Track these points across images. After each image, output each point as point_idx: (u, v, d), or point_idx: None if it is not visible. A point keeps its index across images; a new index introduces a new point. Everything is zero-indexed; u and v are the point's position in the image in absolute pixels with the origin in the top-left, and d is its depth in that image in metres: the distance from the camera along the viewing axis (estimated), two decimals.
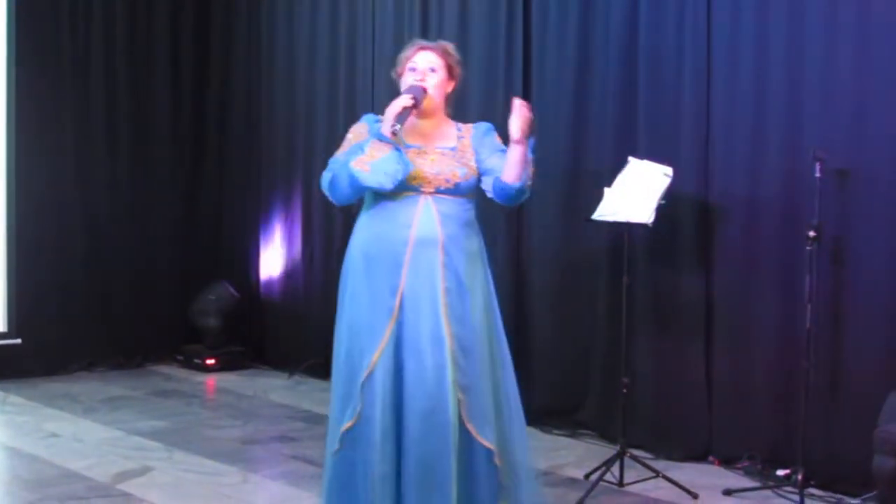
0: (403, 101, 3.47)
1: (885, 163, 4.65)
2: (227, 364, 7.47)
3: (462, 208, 3.56)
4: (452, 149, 3.59)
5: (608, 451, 5.12)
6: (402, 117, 3.44)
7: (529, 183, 3.58)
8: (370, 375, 3.42)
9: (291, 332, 7.36)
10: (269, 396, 6.72)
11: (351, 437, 3.46)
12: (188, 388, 6.96)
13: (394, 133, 3.42)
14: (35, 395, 6.54)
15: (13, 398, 6.47)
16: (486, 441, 3.46)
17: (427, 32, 6.28)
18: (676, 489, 4.72)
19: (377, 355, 3.42)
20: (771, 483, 4.81)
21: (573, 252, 5.80)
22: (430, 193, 3.50)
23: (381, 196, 3.51)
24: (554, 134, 5.89)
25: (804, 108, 4.91)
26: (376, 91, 6.62)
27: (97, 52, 7.41)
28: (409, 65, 3.61)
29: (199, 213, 7.97)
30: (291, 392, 6.79)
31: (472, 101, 6.11)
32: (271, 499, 4.69)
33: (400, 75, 3.64)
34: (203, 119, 8.00)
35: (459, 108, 5.98)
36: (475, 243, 3.60)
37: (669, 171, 4.86)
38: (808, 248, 4.61)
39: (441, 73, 3.60)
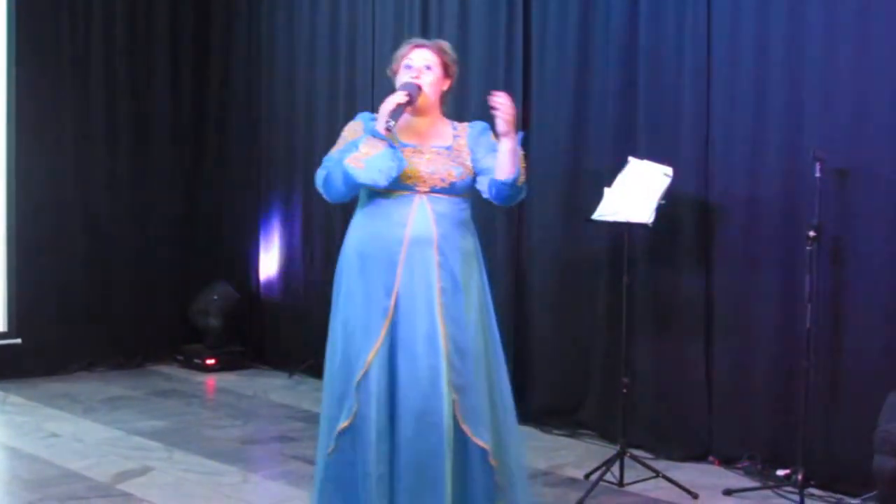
0: (398, 97, 3.47)
1: (885, 163, 4.65)
2: (227, 364, 7.47)
3: (457, 208, 3.55)
4: (448, 148, 3.58)
5: (608, 451, 5.12)
6: (396, 114, 3.44)
7: (523, 178, 3.54)
8: (365, 375, 3.42)
9: (291, 332, 7.36)
10: (269, 396, 6.72)
11: (348, 438, 3.45)
12: (188, 388, 6.96)
13: (388, 129, 3.41)
14: (35, 395, 6.54)
15: (13, 398, 6.47)
16: (482, 441, 3.45)
17: (427, 32, 6.27)
18: (676, 489, 4.73)
19: (372, 355, 3.42)
20: (771, 483, 4.81)
21: (573, 252, 5.81)
22: (426, 193, 3.49)
23: (376, 195, 3.51)
24: (554, 134, 5.90)
25: (804, 108, 4.91)
26: (376, 91, 6.61)
27: (97, 51, 7.40)
28: (405, 62, 3.60)
29: (199, 213, 7.97)
30: (291, 392, 6.79)
31: (472, 101, 6.10)
32: (271, 499, 4.69)
33: (395, 73, 3.64)
34: (203, 119, 8.00)
35: (459, 107, 6.04)
36: (470, 243, 3.59)
37: (669, 171, 4.86)
38: (808, 248, 4.61)
39: (436, 71, 3.59)
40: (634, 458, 4.90)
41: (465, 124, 3.68)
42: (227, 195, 7.92)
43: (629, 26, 5.55)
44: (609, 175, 5.09)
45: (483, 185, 3.58)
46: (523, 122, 5.98)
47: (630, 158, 5.04)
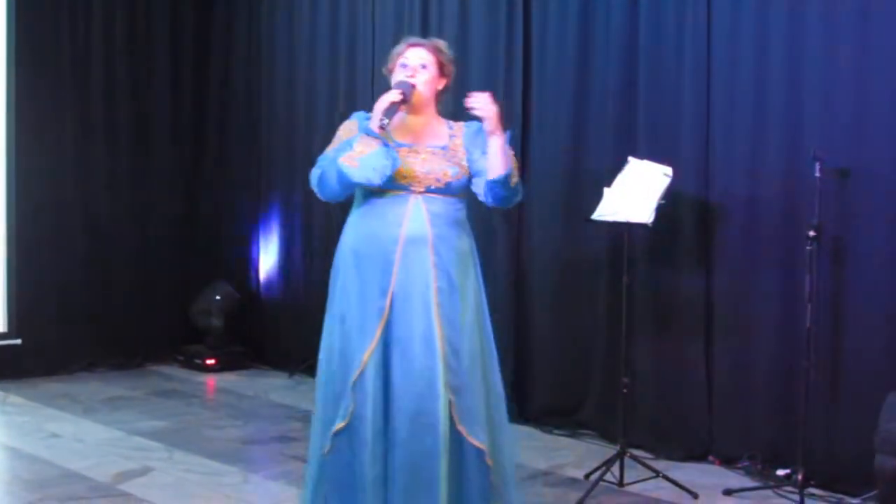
0: (391, 96, 3.46)
1: (885, 162, 4.66)
2: (228, 364, 7.48)
3: (453, 208, 3.54)
4: (444, 148, 3.57)
5: (608, 450, 5.12)
6: (389, 112, 3.43)
7: (516, 178, 3.54)
8: (361, 375, 3.41)
9: (291, 332, 7.36)
10: (270, 396, 6.73)
11: (344, 438, 3.44)
12: (189, 388, 6.96)
13: (381, 128, 3.41)
14: (35, 395, 6.54)
15: (13, 398, 6.47)
16: (478, 441, 3.45)
17: (427, 32, 6.27)
18: (677, 489, 4.73)
19: (368, 354, 3.41)
20: (771, 483, 4.81)
21: (573, 252, 5.81)
22: (421, 193, 3.48)
23: (371, 194, 3.50)
24: (554, 134, 5.90)
25: (804, 108, 4.91)
26: (376, 90, 6.61)
27: (97, 52, 7.40)
28: (401, 61, 3.60)
29: (199, 213, 7.97)
30: (291, 392, 6.79)
31: None
32: (271, 499, 4.69)
33: (391, 71, 3.63)
34: (203, 119, 8.00)
35: (459, 107, 6.02)
36: (466, 243, 3.58)
37: (669, 170, 4.87)
38: (808, 247, 4.62)
39: (432, 70, 3.58)
40: (634, 457, 4.90)
41: (462, 123, 3.66)
42: (227, 195, 7.92)
43: (629, 26, 5.56)
44: (609, 175, 5.09)
45: (479, 188, 3.57)
46: (523, 122, 6.01)
47: (630, 158, 5.04)
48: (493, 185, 3.50)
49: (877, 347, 4.65)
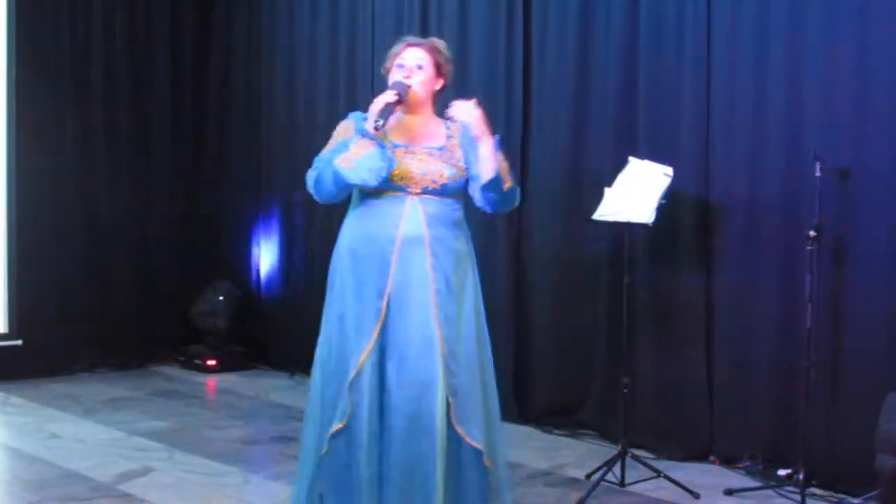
0: (387, 97, 3.46)
1: (885, 162, 4.65)
2: (228, 364, 7.48)
3: (449, 209, 3.53)
4: (440, 149, 3.56)
5: (609, 450, 5.12)
6: (385, 113, 3.43)
7: (509, 183, 3.54)
8: (358, 375, 3.40)
9: (292, 333, 7.36)
10: (270, 397, 6.73)
11: (342, 440, 3.43)
12: (189, 388, 6.96)
13: (376, 129, 3.41)
14: (36, 395, 6.54)
15: (14, 399, 6.47)
16: (476, 442, 3.44)
17: (427, 32, 6.27)
18: (678, 489, 4.73)
19: (364, 356, 3.41)
20: (772, 483, 4.81)
21: (574, 252, 5.81)
22: (417, 194, 3.48)
23: (368, 196, 3.50)
24: (554, 134, 5.90)
25: (804, 108, 4.91)
26: (376, 90, 6.57)
27: (97, 52, 7.41)
28: (397, 61, 3.59)
29: (199, 213, 7.97)
30: (292, 392, 6.79)
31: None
32: (272, 499, 4.69)
33: (388, 71, 3.63)
34: (203, 119, 8.01)
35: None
36: (463, 244, 3.57)
37: (670, 170, 4.87)
38: (808, 247, 4.61)
39: (428, 70, 3.58)
40: (636, 457, 4.90)
41: (459, 124, 3.64)
42: (227, 195, 7.92)
43: (629, 26, 5.56)
44: (609, 175, 5.09)
45: (475, 193, 3.57)
46: (523, 122, 6.01)
47: (630, 158, 5.04)
48: (484, 189, 3.52)
49: (877, 347, 4.65)
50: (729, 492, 4.75)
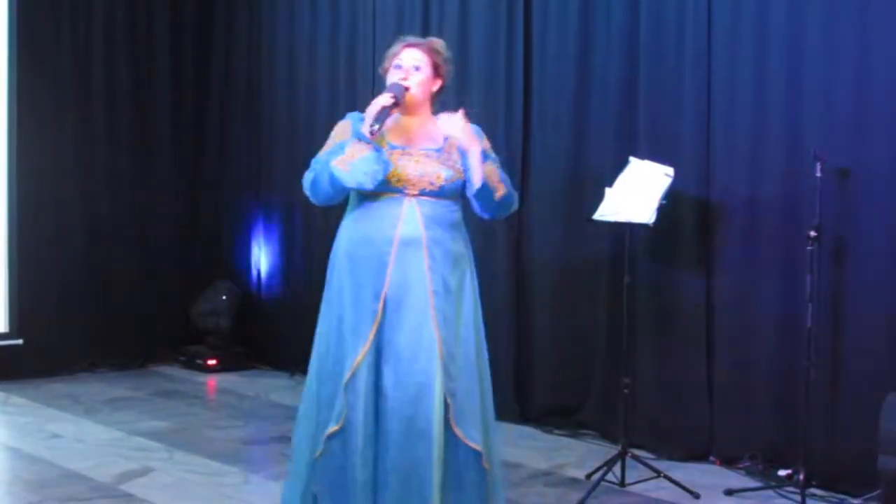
0: (383, 100, 3.45)
1: (885, 162, 4.65)
2: (229, 364, 7.48)
3: (447, 210, 3.52)
4: (438, 150, 3.55)
5: (609, 450, 5.12)
6: (381, 116, 3.42)
7: (502, 192, 3.53)
8: (354, 377, 3.40)
9: (292, 332, 7.35)
10: (270, 397, 6.73)
11: (338, 442, 3.42)
12: (190, 388, 6.97)
13: (372, 133, 3.40)
14: (37, 395, 6.55)
15: (15, 399, 6.48)
16: (475, 444, 3.44)
17: (427, 30, 6.27)
18: (678, 489, 4.73)
19: (360, 357, 3.40)
20: (772, 483, 4.81)
21: (574, 252, 5.81)
22: (415, 196, 3.47)
23: (365, 197, 3.49)
24: (555, 133, 5.90)
25: (805, 108, 4.91)
26: (377, 90, 6.58)
27: (98, 52, 7.41)
28: (395, 62, 3.58)
29: (199, 213, 7.98)
30: (292, 392, 6.78)
31: (473, 101, 6.11)
32: (272, 499, 4.67)
33: (386, 71, 3.62)
34: (203, 119, 8.00)
35: (460, 105, 6.01)
36: (461, 245, 3.56)
37: (670, 171, 4.86)
38: (808, 247, 4.61)
39: (426, 71, 3.57)
40: (636, 458, 4.90)
41: None
42: (228, 195, 7.92)
43: (630, 26, 5.56)
44: (610, 175, 5.09)
45: (470, 199, 3.58)
46: (524, 121, 6.01)
47: (631, 158, 5.04)
48: (474, 198, 3.53)
49: (878, 347, 4.65)
50: (729, 492, 4.75)
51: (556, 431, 5.79)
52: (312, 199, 3.58)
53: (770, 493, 4.74)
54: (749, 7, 5.11)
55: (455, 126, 3.48)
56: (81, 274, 7.32)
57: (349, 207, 3.59)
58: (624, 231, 4.99)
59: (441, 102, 3.70)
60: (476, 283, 3.61)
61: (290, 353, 7.29)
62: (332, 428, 3.43)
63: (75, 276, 7.28)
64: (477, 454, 3.45)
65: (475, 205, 3.58)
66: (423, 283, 3.43)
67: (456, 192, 3.55)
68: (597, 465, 4.90)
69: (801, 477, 4.57)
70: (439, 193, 3.49)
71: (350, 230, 3.55)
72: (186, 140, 7.92)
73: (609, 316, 5.56)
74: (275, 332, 7.59)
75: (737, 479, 4.94)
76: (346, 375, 3.41)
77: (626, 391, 4.92)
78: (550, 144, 5.93)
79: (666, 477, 4.79)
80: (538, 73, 5.99)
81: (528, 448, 5.45)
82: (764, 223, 5.07)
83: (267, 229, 7.69)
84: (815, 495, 4.64)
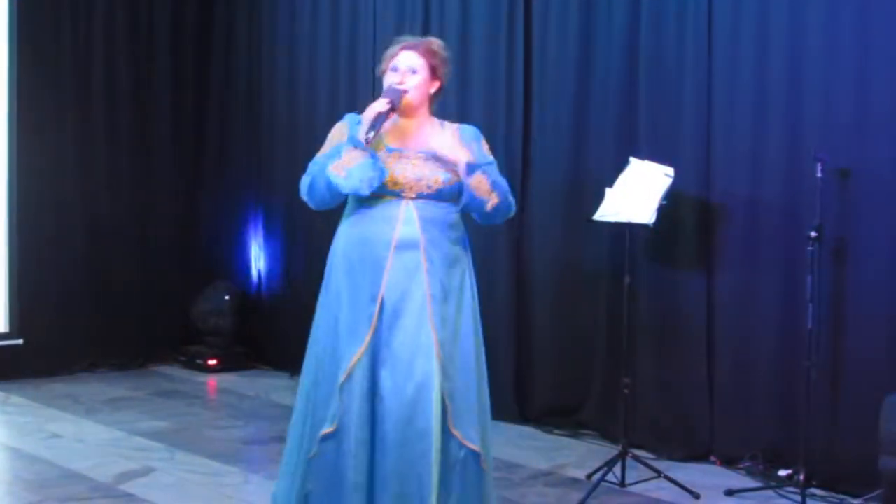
0: (379, 106, 3.44)
1: (886, 163, 4.66)
2: (229, 364, 7.48)
3: (445, 212, 3.51)
4: (435, 153, 3.53)
5: (610, 451, 5.12)
6: (376, 123, 3.41)
7: (495, 202, 3.50)
8: (348, 381, 3.39)
9: (292, 332, 7.33)
10: (271, 397, 6.73)
11: (332, 443, 3.41)
12: (190, 388, 6.97)
13: (367, 141, 3.40)
14: (37, 395, 6.54)
15: (15, 399, 6.47)
16: (473, 445, 3.44)
17: (428, 30, 6.27)
18: (678, 489, 4.73)
19: (355, 360, 3.39)
20: (773, 483, 4.81)
21: (574, 252, 5.81)
22: (412, 198, 3.46)
23: (362, 200, 3.48)
24: (555, 133, 5.90)
25: (805, 108, 4.91)
26: (378, 89, 6.58)
27: (98, 51, 7.40)
28: (392, 64, 3.57)
29: (200, 213, 7.97)
30: (292, 392, 6.68)
31: (474, 101, 6.12)
32: None
33: (384, 73, 3.61)
34: (203, 119, 8.00)
35: (461, 106, 6.04)
36: (459, 246, 3.55)
37: (671, 171, 4.87)
38: (809, 248, 4.61)
39: (422, 74, 3.54)
40: (636, 458, 4.90)
41: (455, 126, 3.63)
42: (227, 195, 7.91)
43: (630, 27, 5.56)
44: (610, 175, 5.09)
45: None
46: (524, 122, 6.01)
47: (631, 159, 5.04)
48: (463, 209, 3.53)
49: (878, 347, 4.65)
50: (729, 492, 4.76)
51: (557, 431, 5.79)
52: (309, 203, 3.58)
53: (770, 493, 4.74)
54: (749, 8, 5.11)
55: (443, 143, 3.48)
56: (81, 274, 7.31)
57: (347, 209, 3.58)
58: (624, 231, 4.99)
59: (441, 103, 3.70)
60: (474, 283, 3.60)
61: (290, 353, 7.28)
62: (327, 429, 3.42)
63: (75, 276, 7.28)
64: (476, 455, 3.45)
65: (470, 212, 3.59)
66: (421, 286, 3.42)
67: (454, 194, 3.53)
68: (597, 465, 4.91)
69: (802, 477, 4.57)
70: (437, 196, 3.49)
71: (348, 232, 3.55)
72: (186, 140, 7.91)
73: (609, 316, 5.56)
74: (275, 332, 7.58)
75: (737, 480, 4.95)
76: (342, 377, 3.40)
77: (626, 391, 4.92)
78: (551, 145, 5.93)
79: (666, 477, 4.80)
80: (538, 73, 5.99)
81: (528, 448, 5.46)
82: (764, 223, 5.07)
83: (267, 229, 7.69)
84: (815, 495, 4.64)
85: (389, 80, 3.55)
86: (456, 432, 3.41)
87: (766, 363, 5.05)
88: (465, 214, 3.61)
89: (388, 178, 3.42)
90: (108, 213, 7.46)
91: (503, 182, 3.57)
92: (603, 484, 4.73)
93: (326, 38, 7.23)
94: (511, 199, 3.60)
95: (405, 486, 3.35)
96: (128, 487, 4.72)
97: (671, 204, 4.96)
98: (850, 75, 4.76)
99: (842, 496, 4.65)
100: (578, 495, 4.65)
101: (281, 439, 5.61)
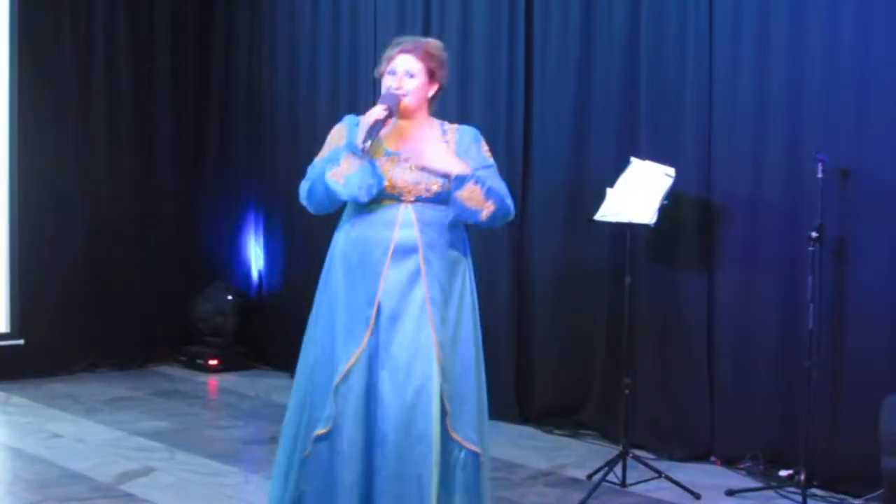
0: (376, 112, 3.42)
1: (886, 163, 4.66)
2: (229, 364, 7.48)
3: (443, 215, 3.48)
4: None
5: (610, 451, 5.12)
6: (374, 130, 3.39)
7: (490, 209, 3.43)
8: (344, 383, 3.38)
9: (292, 333, 7.32)
10: (271, 397, 6.72)
11: (326, 444, 3.40)
12: (190, 388, 6.96)
13: (364, 150, 3.39)
14: (37, 395, 6.54)
15: (15, 399, 6.47)
16: (473, 446, 3.43)
17: (429, 30, 6.27)
18: (679, 489, 4.73)
19: (352, 361, 3.39)
20: (773, 483, 4.81)
21: (575, 252, 5.81)
22: (411, 202, 3.45)
23: (361, 204, 3.47)
24: (556, 134, 5.90)
25: (805, 108, 4.92)
26: (378, 89, 6.57)
27: (98, 51, 7.40)
28: (389, 67, 3.54)
29: (200, 213, 7.97)
30: None
31: (474, 101, 6.12)
32: None
33: (381, 75, 3.59)
34: (204, 119, 8.00)
35: (461, 106, 6.04)
36: (458, 248, 3.53)
37: (671, 171, 4.87)
38: (810, 248, 4.61)
39: (420, 77, 3.51)
40: (637, 458, 4.90)
41: (455, 127, 3.60)
42: (228, 195, 7.91)
43: (631, 26, 5.56)
44: (611, 175, 5.09)
45: None
46: (525, 122, 6.01)
47: (632, 159, 5.04)
48: (454, 220, 3.49)
49: (879, 347, 4.65)
50: (730, 492, 4.76)
51: (557, 431, 5.79)
52: (308, 208, 3.57)
53: (771, 493, 4.74)
54: (750, 8, 5.11)
55: (437, 153, 3.45)
56: (81, 274, 7.31)
57: (346, 212, 3.57)
58: (625, 231, 4.99)
59: (441, 103, 3.69)
60: (474, 284, 3.59)
61: (290, 354, 7.21)
62: (321, 430, 3.42)
63: (75, 276, 7.27)
64: (475, 455, 3.44)
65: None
66: (420, 289, 3.41)
67: None
68: (598, 465, 4.91)
69: (803, 477, 4.57)
70: (436, 199, 3.47)
71: (346, 235, 3.54)
72: (186, 140, 7.91)
73: (610, 316, 5.56)
74: (275, 333, 7.58)
75: (738, 480, 4.95)
76: (337, 379, 3.40)
77: (626, 391, 4.92)
78: (551, 145, 5.93)
79: (667, 477, 4.79)
80: (539, 73, 5.99)
81: (528, 448, 5.46)
82: (765, 224, 5.07)
83: (267, 229, 7.69)
84: (816, 496, 4.64)
85: (387, 83, 3.54)
86: (455, 434, 3.41)
87: (767, 363, 5.05)
88: None
89: (386, 182, 3.42)
90: (108, 213, 7.46)
91: (500, 186, 3.51)
92: (603, 484, 4.72)
93: (327, 38, 7.23)
94: (509, 203, 3.53)
95: (405, 489, 3.34)
96: (128, 487, 4.72)
97: (672, 204, 4.96)
98: (851, 76, 4.76)
99: (842, 496, 4.66)
100: (579, 495, 4.65)
101: None
